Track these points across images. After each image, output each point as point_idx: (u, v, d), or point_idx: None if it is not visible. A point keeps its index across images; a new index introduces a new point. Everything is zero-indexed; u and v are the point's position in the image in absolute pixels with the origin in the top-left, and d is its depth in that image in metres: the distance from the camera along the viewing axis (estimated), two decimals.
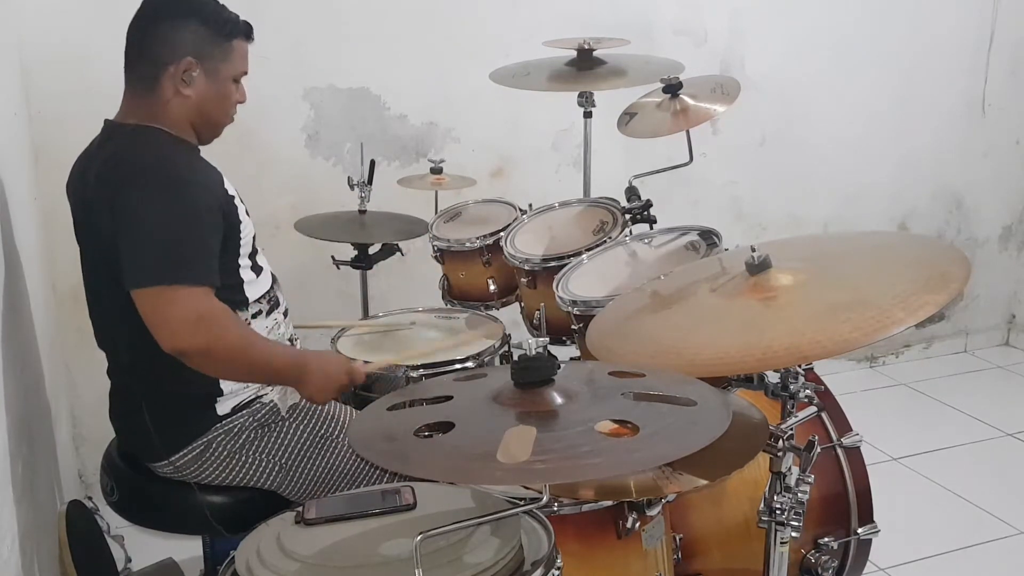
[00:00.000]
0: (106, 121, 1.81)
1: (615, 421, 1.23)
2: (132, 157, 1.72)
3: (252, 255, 1.83)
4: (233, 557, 1.29)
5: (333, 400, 1.86)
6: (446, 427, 1.24)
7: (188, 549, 2.22)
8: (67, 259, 2.69)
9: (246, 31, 1.82)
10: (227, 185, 1.80)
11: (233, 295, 1.76)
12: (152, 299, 1.61)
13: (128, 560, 2.30)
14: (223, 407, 1.80)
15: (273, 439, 1.84)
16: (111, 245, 1.66)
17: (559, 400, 1.26)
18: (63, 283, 2.72)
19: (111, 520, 2.22)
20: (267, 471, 1.83)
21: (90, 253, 1.80)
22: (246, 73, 1.84)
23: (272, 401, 1.85)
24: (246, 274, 1.80)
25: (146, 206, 1.64)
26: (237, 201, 1.80)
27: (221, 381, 1.78)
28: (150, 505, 1.87)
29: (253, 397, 1.83)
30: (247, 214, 1.82)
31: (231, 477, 1.82)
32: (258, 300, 1.82)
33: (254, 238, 1.85)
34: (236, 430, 1.81)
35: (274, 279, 1.91)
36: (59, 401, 2.58)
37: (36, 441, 2.02)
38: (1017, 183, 4.04)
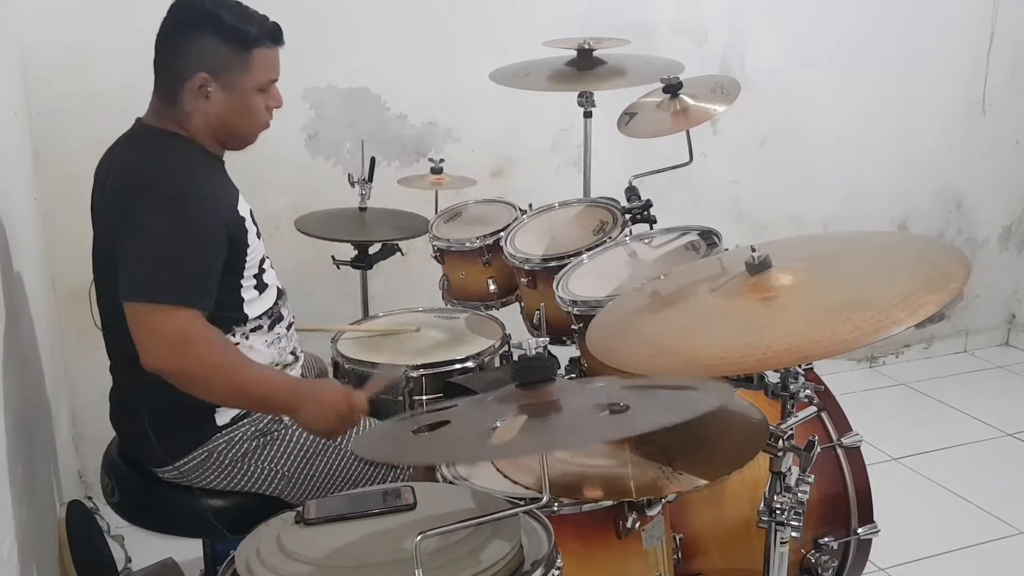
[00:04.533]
0: (137, 120, 1.80)
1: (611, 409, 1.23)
2: (147, 166, 1.70)
3: (258, 274, 1.80)
4: (233, 557, 1.29)
5: (338, 433, 1.74)
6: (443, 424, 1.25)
7: (188, 549, 2.22)
8: (67, 259, 2.70)
9: (272, 36, 1.75)
10: (241, 206, 1.77)
11: (231, 312, 1.75)
12: (139, 314, 1.60)
13: (128, 560, 2.30)
14: (222, 417, 1.79)
15: (275, 447, 1.83)
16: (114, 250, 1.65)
17: (557, 397, 1.25)
18: (63, 283, 2.72)
19: (111, 520, 2.23)
20: (269, 478, 1.82)
21: (99, 250, 1.78)
22: (275, 80, 1.78)
23: None
24: (248, 293, 1.78)
25: (149, 219, 1.62)
26: (249, 223, 1.77)
27: None
28: (151, 506, 1.87)
29: None
30: (258, 236, 1.80)
31: (233, 483, 1.81)
32: (258, 317, 1.81)
33: (263, 259, 1.82)
34: (238, 439, 1.80)
35: (280, 293, 1.89)
36: (59, 401, 2.58)
37: (36, 441, 2.02)
38: (1017, 183, 4.05)
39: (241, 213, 1.76)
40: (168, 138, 1.74)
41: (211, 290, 1.66)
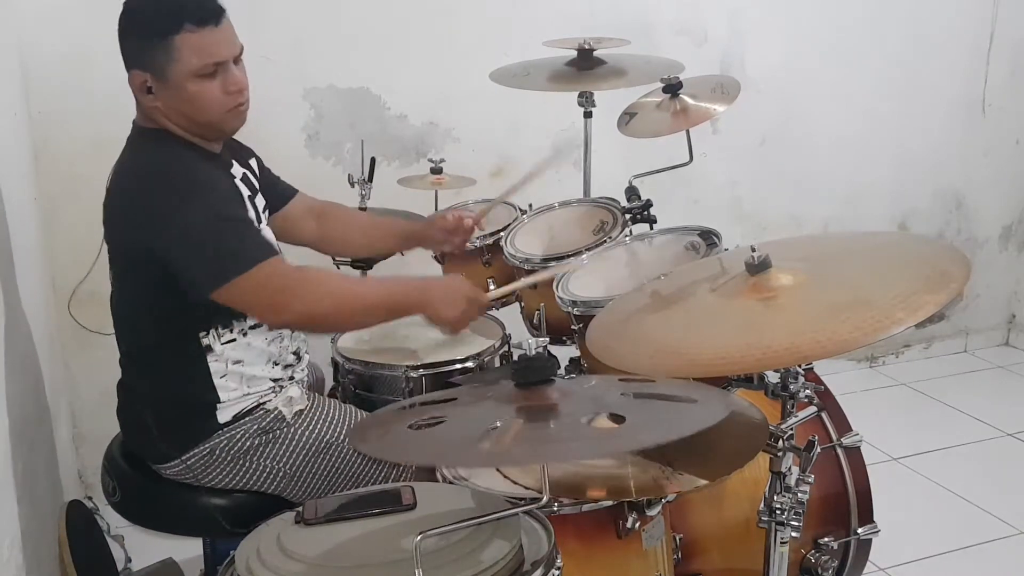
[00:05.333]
0: (133, 122, 1.80)
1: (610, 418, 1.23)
2: (142, 170, 1.71)
3: None
4: (233, 557, 1.29)
5: (466, 322, 1.83)
6: (440, 422, 1.25)
7: (188, 549, 2.22)
8: (67, 259, 2.70)
9: (196, 18, 1.62)
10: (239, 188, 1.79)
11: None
12: (234, 293, 1.63)
13: (128, 560, 2.31)
14: (223, 415, 1.79)
15: (278, 446, 1.83)
16: (129, 256, 1.67)
17: (556, 399, 1.25)
18: (63, 283, 2.71)
19: (111, 520, 2.23)
20: (272, 476, 1.83)
21: (112, 251, 1.79)
22: (219, 62, 1.66)
23: (276, 408, 1.83)
24: None
25: (179, 215, 1.63)
26: (249, 206, 1.79)
27: (218, 389, 1.77)
28: (153, 505, 1.87)
29: (255, 404, 1.81)
30: (267, 226, 1.82)
31: (235, 481, 1.81)
32: None
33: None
34: (239, 437, 1.80)
35: None
36: (59, 401, 2.58)
37: (36, 441, 2.02)
38: (1017, 183, 4.05)
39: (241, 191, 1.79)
40: (152, 136, 1.74)
41: (264, 238, 1.71)
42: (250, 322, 1.79)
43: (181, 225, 1.63)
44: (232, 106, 1.71)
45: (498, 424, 1.20)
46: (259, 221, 1.82)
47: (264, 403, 1.82)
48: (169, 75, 1.65)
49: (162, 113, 1.71)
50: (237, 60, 1.71)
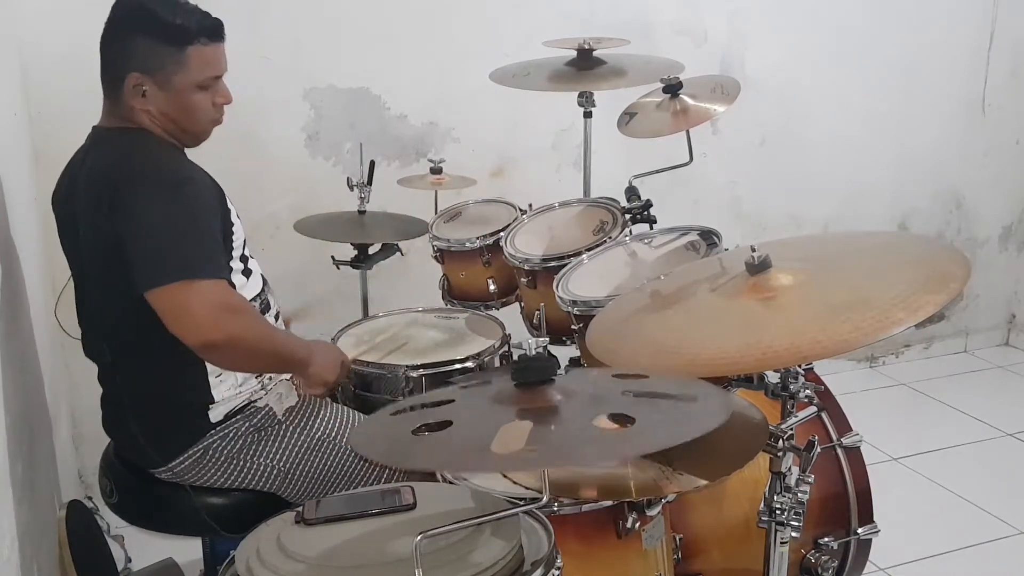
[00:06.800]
0: (93, 128, 1.80)
1: (613, 418, 1.23)
2: (125, 159, 1.70)
3: (243, 259, 1.81)
4: (233, 557, 1.29)
5: (333, 387, 1.90)
6: (444, 426, 1.24)
7: (188, 549, 2.22)
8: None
9: (209, 33, 1.71)
10: (219, 185, 1.78)
11: None
12: (173, 295, 1.58)
13: (128, 560, 2.30)
14: (216, 414, 1.79)
15: (270, 443, 1.83)
16: (108, 250, 1.64)
17: (559, 399, 1.26)
18: (63, 283, 2.71)
19: (111, 520, 2.22)
20: (266, 474, 1.83)
21: (79, 260, 1.78)
22: (218, 76, 1.75)
23: (268, 406, 1.84)
24: (236, 278, 1.78)
25: (150, 206, 1.62)
26: (229, 203, 1.79)
27: (212, 389, 1.77)
28: (150, 507, 1.87)
29: (246, 403, 1.82)
30: (237, 216, 1.81)
31: (230, 480, 1.82)
32: (250, 301, 1.81)
33: (245, 241, 1.82)
34: (232, 435, 1.80)
35: (265, 282, 1.89)
36: (59, 401, 2.58)
37: (36, 441, 2.01)
38: (1017, 183, 4.05)
39: (221, 189, 1.78)
40: (130, 132, 1.74)
41: (225, 262, 1.70)
42: None
43: (147, 212, 1.62)
44: (216, 117, 1.79)
45: (501, 430, 1.19)
46: (238, 216, 1.82)
47: (254, 400, 1.83)
48: (174, 83, 1.70)
49: (148, 115, 1.72)
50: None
